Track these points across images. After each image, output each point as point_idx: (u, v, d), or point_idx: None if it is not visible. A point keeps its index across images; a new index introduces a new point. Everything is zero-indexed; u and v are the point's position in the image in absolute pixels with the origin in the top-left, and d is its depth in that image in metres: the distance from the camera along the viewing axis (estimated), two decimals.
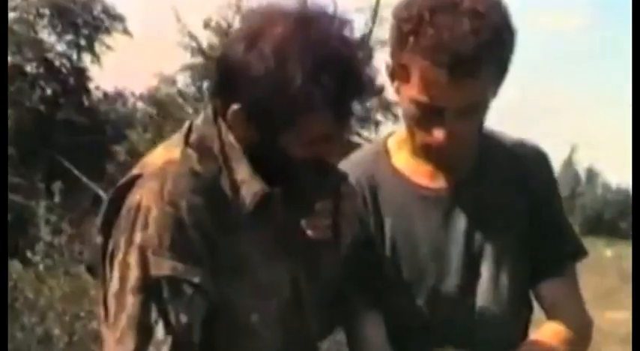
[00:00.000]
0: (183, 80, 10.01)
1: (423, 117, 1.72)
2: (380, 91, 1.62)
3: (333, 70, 1.52)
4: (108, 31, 9.33)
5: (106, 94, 10.00)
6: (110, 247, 1.58)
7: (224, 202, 1.59)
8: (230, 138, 1.62)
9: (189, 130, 1.65)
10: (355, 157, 1.94)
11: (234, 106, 1.58)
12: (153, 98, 9.80)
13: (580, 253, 1.91)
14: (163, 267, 1.51)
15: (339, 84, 1.53)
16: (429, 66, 1.65)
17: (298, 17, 1.56)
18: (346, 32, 1.58)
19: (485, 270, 1.82)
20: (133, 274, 1.52)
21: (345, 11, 1.60)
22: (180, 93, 9.80)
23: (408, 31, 1.68)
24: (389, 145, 1.91)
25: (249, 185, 1.61)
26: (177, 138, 1.66)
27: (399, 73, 1.73)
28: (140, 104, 10.49)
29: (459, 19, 1.64)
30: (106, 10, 9.33)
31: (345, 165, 1.80)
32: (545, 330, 1.84)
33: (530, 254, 1.85)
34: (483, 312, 1.82)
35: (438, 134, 1.72)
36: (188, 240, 1.53)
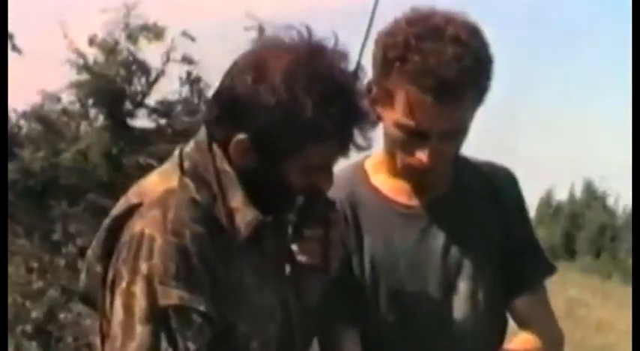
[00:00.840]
0: (66, 97, 9.76)
1: (407, 140, 1.79)
2: (377, 121, 1.69)
3: (338, 101, 1.58)
4: None
5: None
6: (110, 275, 1.58)
7: (220, 230, 1.62)
8: (225, 166, 1.64)
9: (181, 157, 1.67)
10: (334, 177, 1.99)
11: (240, 136, 1.60)
12: (36, 115, 9.53)
13: (551, 269, 2.00)
14: (171, 296, 1.53)
15: (344, 114, 1.59)
16: (414, 91, 1.73)
17: (302, 50, 1.61)
18: (344, 65, 1.63)
19: (462, 285, 1.89)
20: (140, 303, 1.52)
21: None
22: (65, 111, 9.56)
23: (394, 58, 1.75)
24: (366, 167, 1.97)
25: (243, 214, 1.63)
26: (170, 166, 1.67)
27: (382, 98, 1.79)
28: (23, 122, 10.17)
29: (443, 45, 1.73)
30: None
31: None
32: (519, 339, 1.94)
33: (504, 271, 1.93)
34: (460, 324, 1.89)
35: (422, 156, 1.79)
36: (192, 269, 1.55)
